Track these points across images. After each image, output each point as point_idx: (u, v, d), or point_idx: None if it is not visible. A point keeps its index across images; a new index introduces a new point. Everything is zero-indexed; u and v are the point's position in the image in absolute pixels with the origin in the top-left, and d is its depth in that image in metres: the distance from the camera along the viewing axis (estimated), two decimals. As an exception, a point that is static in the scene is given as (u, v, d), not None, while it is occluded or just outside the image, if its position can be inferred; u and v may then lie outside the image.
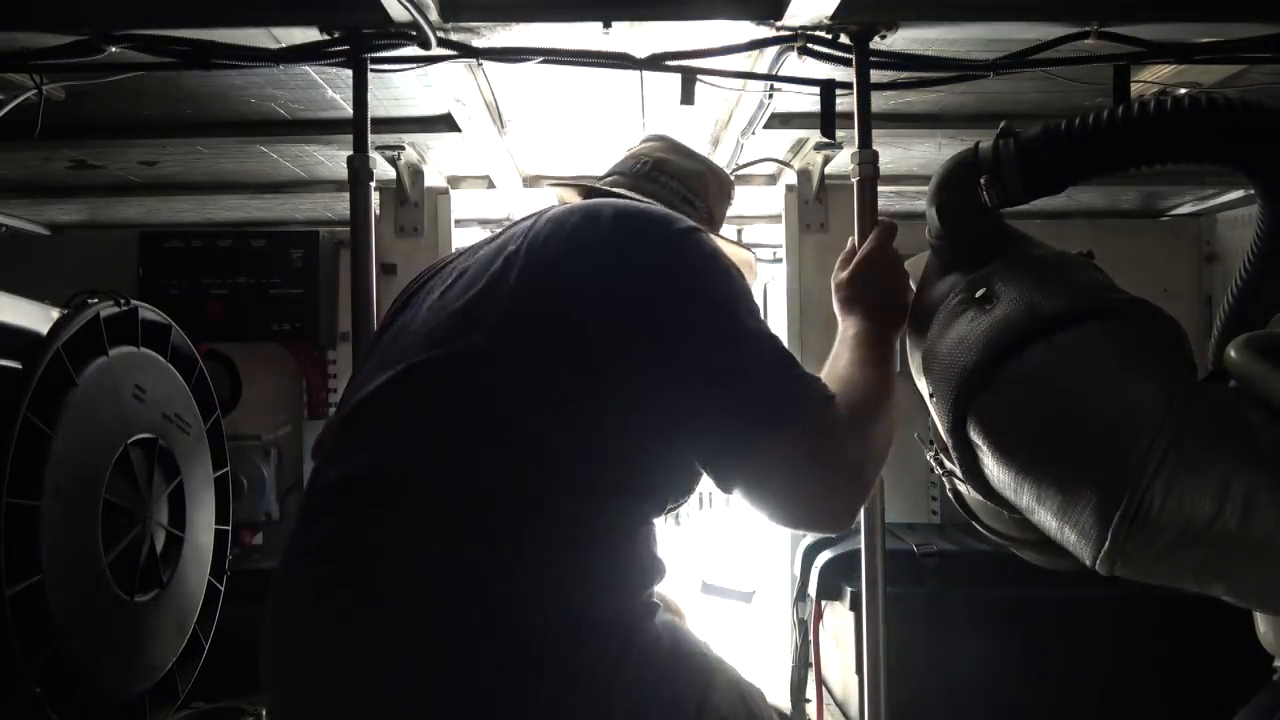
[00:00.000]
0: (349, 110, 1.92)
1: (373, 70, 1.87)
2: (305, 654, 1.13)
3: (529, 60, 1.85)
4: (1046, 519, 1.45)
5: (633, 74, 2.06)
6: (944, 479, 1.77)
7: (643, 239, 1.26)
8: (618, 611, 1.12)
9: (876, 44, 1.81)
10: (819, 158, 2.74)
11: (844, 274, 1.57)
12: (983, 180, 1.65)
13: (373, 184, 1.95)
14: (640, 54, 1.86)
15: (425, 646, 1.05)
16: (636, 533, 1.19)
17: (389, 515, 1.11)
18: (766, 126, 2.36)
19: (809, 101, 2.28)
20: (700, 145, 2.75)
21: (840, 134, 2.09)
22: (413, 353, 1.22)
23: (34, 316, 1.63)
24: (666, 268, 1.24)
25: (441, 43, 1.78)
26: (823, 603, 2.51)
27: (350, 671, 1.07)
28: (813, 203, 2.88)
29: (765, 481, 1.19)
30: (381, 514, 1.12)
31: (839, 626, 2.48)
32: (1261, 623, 1.51)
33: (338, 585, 1.10)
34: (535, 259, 1.25)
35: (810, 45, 1.80)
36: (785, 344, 1.29)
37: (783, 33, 1.80)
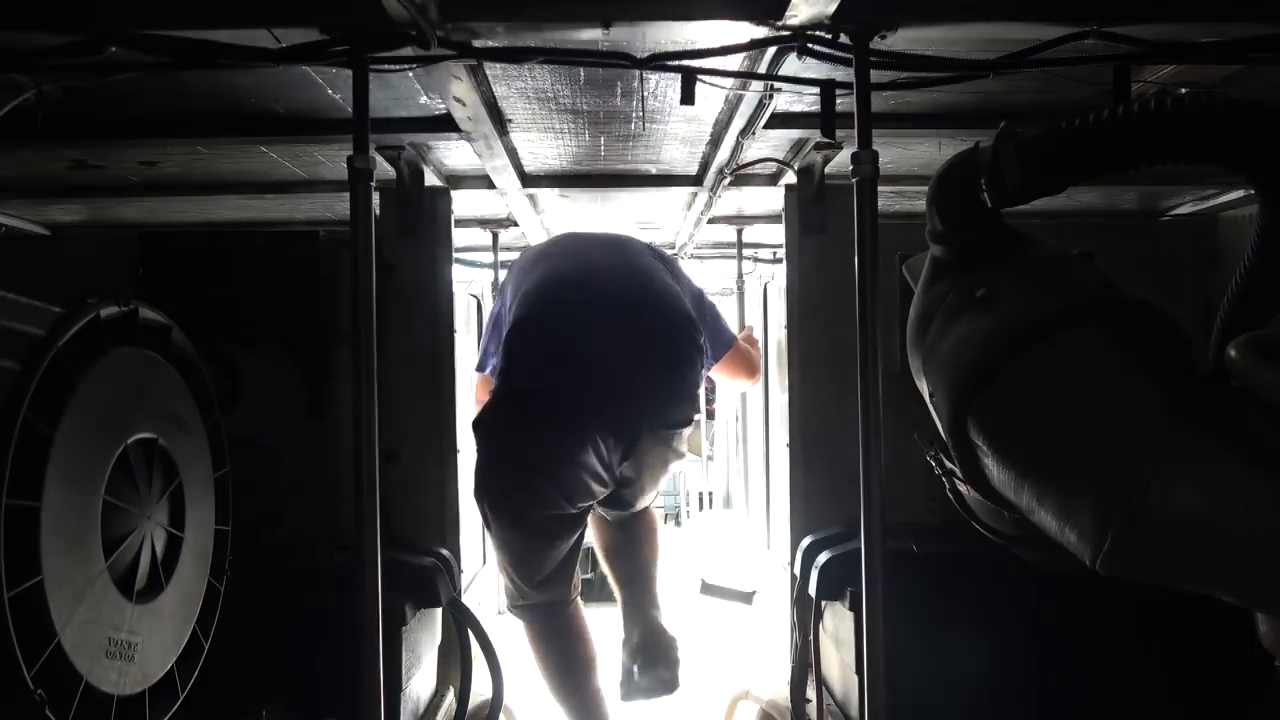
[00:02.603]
0: (349, 110, 1.92)
1: (373, 70, 1.87)
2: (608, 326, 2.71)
3: (529, 60, 1.85)
4: (1047, 519, 1.45)
5: (633, 73, 2.06)
6: (944, 479, 1.77)
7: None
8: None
9: (876, 44, 1.81)
10: (819, 158, 2.73)
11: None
12: (983, 180, 1.65)
13: (373, 184, 1.95)
14: (640, 54, 1.86)
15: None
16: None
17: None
18: (766, 126, 2.36)
19: (809, 101, 2.28)
20: (700, 145, 2.76)
21: (840, 134, 2.09)
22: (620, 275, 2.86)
23: (34, 317, 1.63)
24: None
25: (441, 43, 1.78)
26: (823, 603, 2.51)
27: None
28: (813, 203, 2.88)
29: (731, 361, 3.06)
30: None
31: (839, 626, 2.48)
32: (1262, 623, 1.51)
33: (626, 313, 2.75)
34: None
35: (810, 45, 1.80)
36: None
37: (783, 33, 1.80)
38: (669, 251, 3.43)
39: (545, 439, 2.67)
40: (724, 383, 3.43)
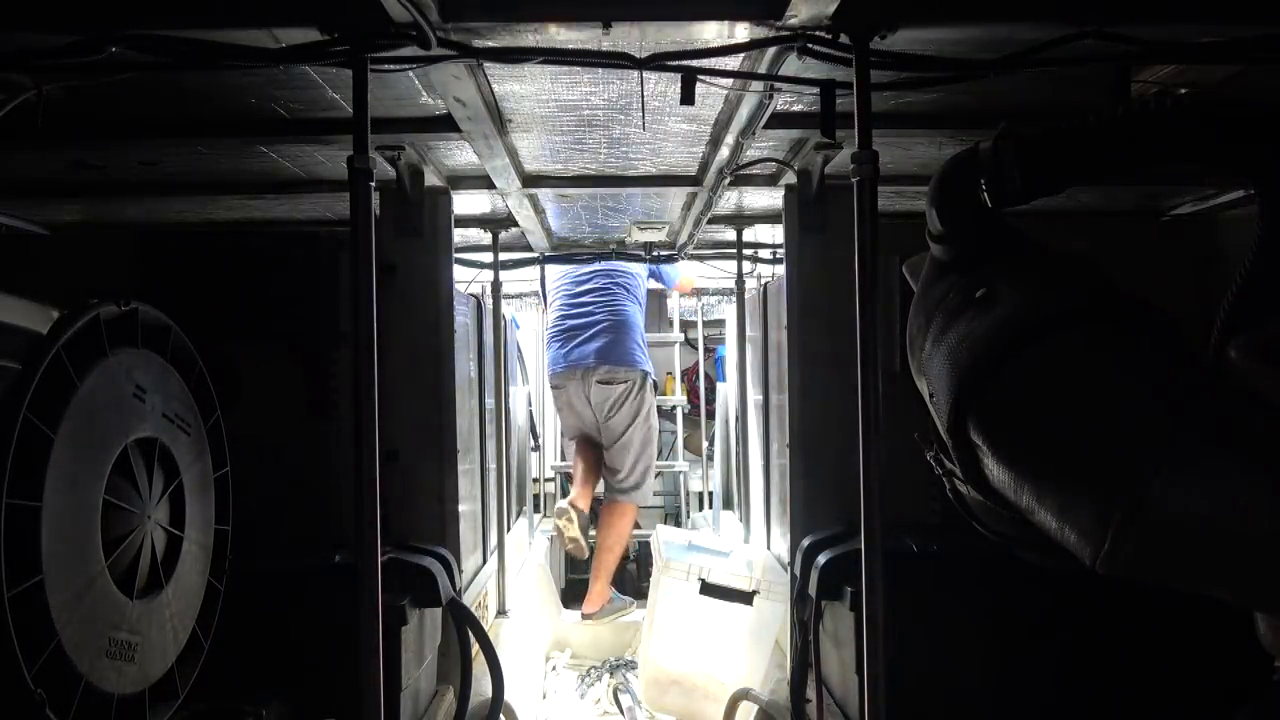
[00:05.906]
0: (349, 110, 1.92)
1: (373, 70, 1.87)
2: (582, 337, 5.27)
3: (529, 60, 1.85)
4: (1047, 519, 1.45)
5: (633, 73, 2.06)
6: (944, 479, 1.77)
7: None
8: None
9: (876, 44, 1.81)
10: (819, 158, 2.73)
11: None
12: (983, 181, 1.65)
13: (373, 184, 1.95)
14: (640, 54, 1.86)
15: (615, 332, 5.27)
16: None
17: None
18: (766, 126, 2.36)
19: (809, 101, 2.28)
20: (700, 145, 2.76)
21: (840, 134, 2.09)
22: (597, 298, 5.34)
23: (34, 316, 1.63)
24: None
25: (441, 43, 1.78)
26: (823, 603, 2.51)
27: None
28: (813, 203, 2.88)
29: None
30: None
31: (839, 626, 2.48)
32: (1262, 623, 1.51)
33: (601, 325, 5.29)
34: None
35: (810, 45, 1.80)
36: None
37: (783, 33, 1.80)
38: (641, 270, 5.31)
39: None
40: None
